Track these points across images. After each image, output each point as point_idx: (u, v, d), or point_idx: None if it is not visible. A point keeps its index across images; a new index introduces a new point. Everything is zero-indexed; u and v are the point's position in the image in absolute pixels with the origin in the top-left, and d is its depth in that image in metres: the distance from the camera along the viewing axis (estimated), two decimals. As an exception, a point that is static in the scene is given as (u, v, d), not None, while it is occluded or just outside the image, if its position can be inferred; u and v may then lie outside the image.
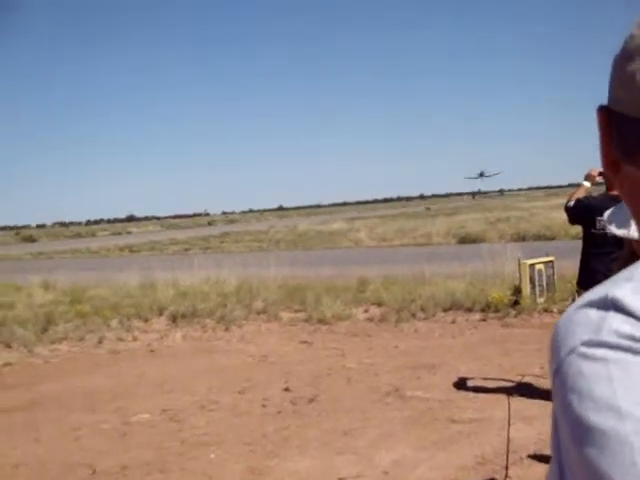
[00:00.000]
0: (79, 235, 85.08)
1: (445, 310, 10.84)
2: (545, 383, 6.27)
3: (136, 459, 5.54)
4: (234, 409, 6.80)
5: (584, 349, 0.59)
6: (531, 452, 4.99)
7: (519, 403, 6.07)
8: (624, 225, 1.90)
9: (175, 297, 13.36)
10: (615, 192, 4.27)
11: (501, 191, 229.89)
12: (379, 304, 11.61)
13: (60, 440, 6.17)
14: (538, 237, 23.63)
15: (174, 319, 11.92)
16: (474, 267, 12.80)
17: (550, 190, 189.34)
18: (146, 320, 12.14)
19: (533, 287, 10.43)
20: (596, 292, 0.63)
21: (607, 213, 2.11)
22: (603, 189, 5.27)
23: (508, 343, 8.68)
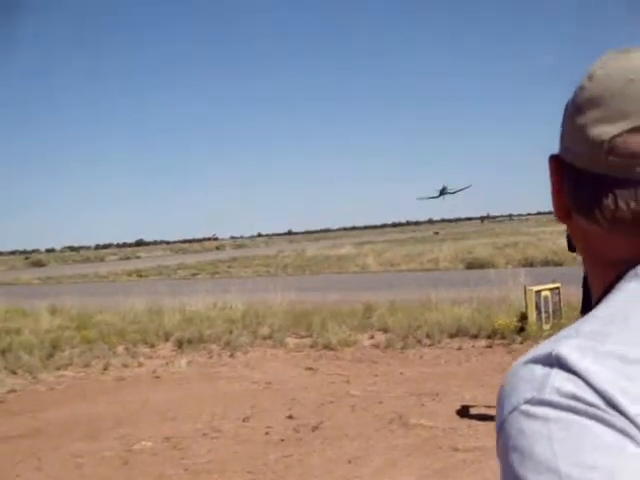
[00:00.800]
0: (88, 259, 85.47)
1: (451, 336, 10.80)
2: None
3: (137, 487, 5.51)
4: (237, 436, 6.77)
5: (526, 407, 0.59)
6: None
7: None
8: None
9: (181, 322, 13.39)
10: None
11: (510, 216, 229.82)
12: (385, 330, 11.59)
13: (62, 468, 6.15)
14: (546, 262, 23.53)
15: (180, 345, 11.93)
16: (481, 293, 12.77)
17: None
18: (152, 346, 12.15)
19: (539, 313, 10.38)
20: (542, 347, 0.63)
21: None
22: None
23: (514, 370, 8.61)
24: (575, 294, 9.39)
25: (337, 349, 10.83)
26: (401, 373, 9.06)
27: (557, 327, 10.30)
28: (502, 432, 0.60)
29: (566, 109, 0.77)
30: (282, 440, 6.55)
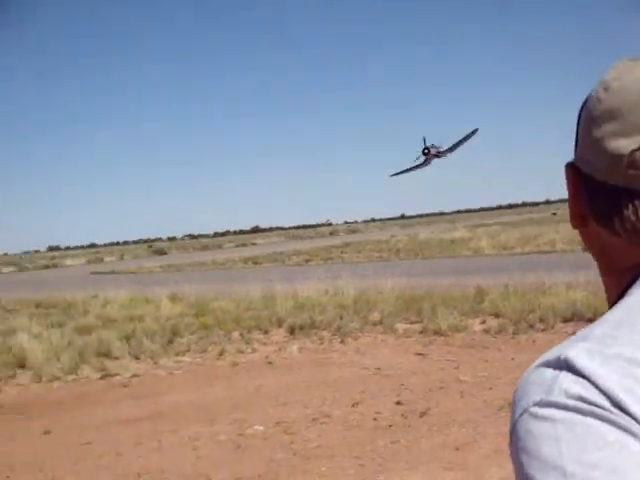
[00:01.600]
0: (206, 247, 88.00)
1: (565, 321, 10.50)
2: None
3: (249, 471, 5.71)
4: (346, 422, 6.88)
5: (535, 409, 0.62)
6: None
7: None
8: None
9: (294, 309, 13.64)
10: None
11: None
12: (496, 315, 11.41)
13: (179, 450, 6.45)
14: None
15: (292, 331, 12.17)
16: (597, 275, 12.31)
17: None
18: (265, 332, 12.47)
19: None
20: (553, 351, 0.66)
21: None
22: None
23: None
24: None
25: (447, 334, 10.76)
26: (512, 359, 8.90)
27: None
28: (513, 434, 0.64)
29: (581, 118, 0.78)
30: (390, 426, 6.61)
